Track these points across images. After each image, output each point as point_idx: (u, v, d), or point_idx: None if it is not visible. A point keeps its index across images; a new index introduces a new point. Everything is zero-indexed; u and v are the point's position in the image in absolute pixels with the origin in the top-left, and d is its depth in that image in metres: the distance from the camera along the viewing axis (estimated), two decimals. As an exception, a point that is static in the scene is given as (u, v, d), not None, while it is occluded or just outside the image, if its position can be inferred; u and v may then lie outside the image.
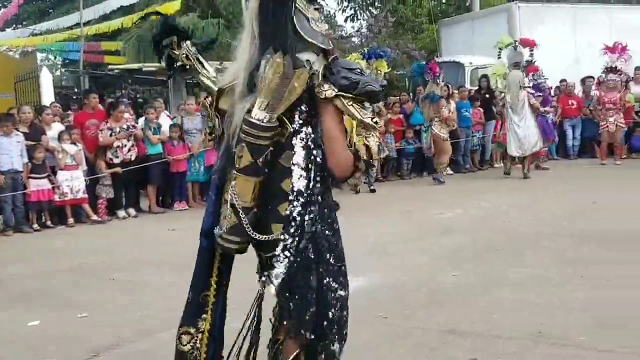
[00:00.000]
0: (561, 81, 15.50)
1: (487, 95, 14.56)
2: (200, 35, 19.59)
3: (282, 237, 2.59)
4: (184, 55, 3.13)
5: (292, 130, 2.60)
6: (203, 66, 3.18)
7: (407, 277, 5.92)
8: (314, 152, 2.61)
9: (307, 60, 2.61)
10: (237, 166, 2.58)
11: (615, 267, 5.77)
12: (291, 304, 2.62)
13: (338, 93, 2.58)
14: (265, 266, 2.76)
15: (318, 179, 2.63)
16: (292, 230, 2.59)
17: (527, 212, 8.95)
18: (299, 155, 2.60)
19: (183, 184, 11.01)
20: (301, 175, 2.61)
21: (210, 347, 2.87)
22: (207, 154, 11.13)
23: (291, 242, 2.59)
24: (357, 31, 22.42)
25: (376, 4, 23.16)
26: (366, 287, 5.66)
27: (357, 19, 23.55)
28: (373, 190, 11.74)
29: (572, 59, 16.67)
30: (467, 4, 25.12)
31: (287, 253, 2.59)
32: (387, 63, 11.98)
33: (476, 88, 15.21)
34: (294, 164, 2.61)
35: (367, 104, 2.70)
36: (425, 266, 6.28)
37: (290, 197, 2.60)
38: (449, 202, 10.14)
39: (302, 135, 2.60)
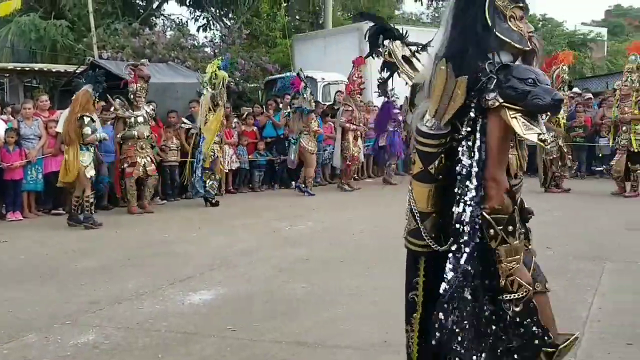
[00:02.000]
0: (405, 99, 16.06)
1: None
2: (43, 36, 18.59)
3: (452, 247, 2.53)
4: (387, 53, 3.22)
5: (460, 137, 2.52)
6: (410, 65, 3.16)
7: (255, 289, 5.78)
8: (481, 160, 2.48)
9: (490, 63, 2.47)
10: (411, 172, 2.63)
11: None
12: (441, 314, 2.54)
13: (503, 104, 2.41)
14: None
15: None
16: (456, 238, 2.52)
17: (373, 225, 9.08)
18: (463, 164, 2.51)
19: (18, 193, 10.23)
20: (465, 185, 2.51)
21: (422, 345, 2.81)
22: (46, 161, 10.46)
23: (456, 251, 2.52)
24: (210, 41, 22.14)
25: (230, 15, 23.01)
26: (213, 299, 5.50)
27: (210, 29, 23.32)
28: (216, 204, 11.31)
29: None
30: (320, 22, 25.58)
31: (452, 262, 2.53)
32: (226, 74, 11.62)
33: (329, 103, 15.44)
34: (457, 172, 2.52)
35: (542, 117, 2.49)
36: (273, 278, 6.17)
37: (456, 207, 2.53)
38: (299, 215, 10.15)
39: (470, 142, 2.50)
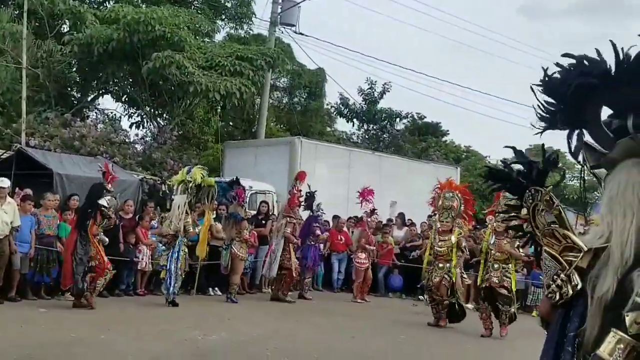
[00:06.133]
0: (334, 217, 16.34)
1: (264, 221, 14.89)
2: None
3: None
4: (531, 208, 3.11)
5: None
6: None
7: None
8: None
9: None
10: (630, 331, 2.48)
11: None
12: None
13: None
14: None
15: None
16: None
17: (288, 342, 9.05)
18: None
19: None
20: None
21: None
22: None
23: None
24: (141, 139, 22.21)
25: (165, 115, 23.25)
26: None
27: (143, 127, 23.42)
28: (177, 304, 11.50)
29: (344, 197, 17.72)
30: (253, 130, 26.11)
31: None
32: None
33: (254, 212, 15.54)
34: None
35: None
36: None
37: None
38: (213, 324, 10.03)
39: None
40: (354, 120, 31.31)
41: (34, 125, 18.15)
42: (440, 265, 11.33)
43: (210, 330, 9.41)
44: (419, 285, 11.85)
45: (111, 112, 24.35)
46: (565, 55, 2.79)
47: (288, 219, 13.40)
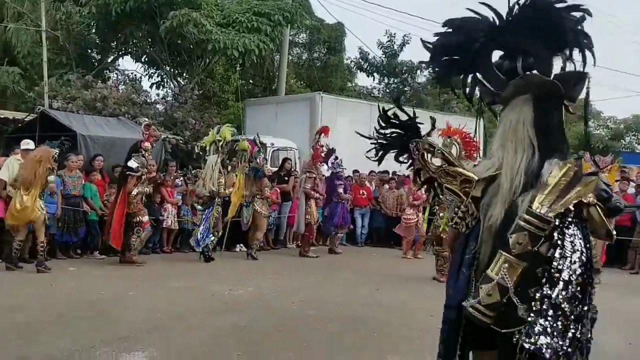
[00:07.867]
0: (354, 172, 16.35)
1: (286, 178, 14.94)
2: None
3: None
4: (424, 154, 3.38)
5: (558, 225, 2.78)
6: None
7: (187, 357, 5.74)
8: (581, 248, 2.76)
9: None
10: (513, 251, 2.77)
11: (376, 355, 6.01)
12: None
13: (597, 203, 2.82)
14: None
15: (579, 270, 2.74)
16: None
17: (313, 295, 9.14)
18: (565, 249, 2.75)
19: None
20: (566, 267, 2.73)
21: None
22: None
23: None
24: (162, 99, 22.19)
25: (185, 74, 23.17)
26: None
27: (164, 87, 23.40)
28: (212, 259, 11.88)
29: (365, 152, 17.64)
30: (273, 87, 26.00)
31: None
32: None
33: (276, 169, 15.59)
34: (559, 256, 2.74)
35: None
36: (208, 345, 6.12)
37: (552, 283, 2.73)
38: (239, 279, 10.12)
39: (571, 231, 2.77)
40: (375, 74, 30.98)
41: (55, 87, 18.22)
42: (442, 214, 10.57)
43: (236, 285, 9.53)
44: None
45: (131, 73, 24.39)
46: (446, 24, 3.12)
47: (308, 174, 13.49)
